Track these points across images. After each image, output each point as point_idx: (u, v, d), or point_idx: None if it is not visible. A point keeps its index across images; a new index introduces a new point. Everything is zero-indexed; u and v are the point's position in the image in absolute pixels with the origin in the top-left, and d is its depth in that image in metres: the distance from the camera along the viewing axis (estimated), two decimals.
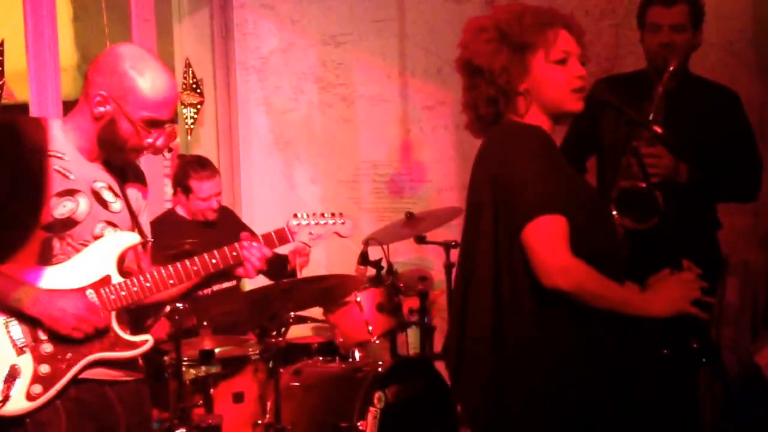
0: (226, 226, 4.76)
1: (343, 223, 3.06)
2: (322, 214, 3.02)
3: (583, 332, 2.43)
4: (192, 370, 4.05)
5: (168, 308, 3.81)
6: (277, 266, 4.89)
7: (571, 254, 2.36)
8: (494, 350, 2.47)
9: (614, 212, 3.31)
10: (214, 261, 2.77)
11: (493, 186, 2.48)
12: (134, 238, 2.75)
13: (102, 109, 2.64)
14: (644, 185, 3.22)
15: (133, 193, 2.85)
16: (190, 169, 4.75)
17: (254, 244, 2.81)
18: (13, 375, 2.55)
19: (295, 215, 2.96)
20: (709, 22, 3.83)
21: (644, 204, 3.28)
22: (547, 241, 2.36)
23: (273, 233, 2.88)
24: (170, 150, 5.20)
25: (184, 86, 5.88)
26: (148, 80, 2.63)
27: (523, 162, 2.43)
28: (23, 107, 4.63)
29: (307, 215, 2.97)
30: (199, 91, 5.96)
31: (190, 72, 5.92)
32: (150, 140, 2.69)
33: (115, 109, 2.63)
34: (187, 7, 6.14)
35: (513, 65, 2.50)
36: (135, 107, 2.63)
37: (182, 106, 5.87)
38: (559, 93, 2.53)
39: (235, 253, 2.79)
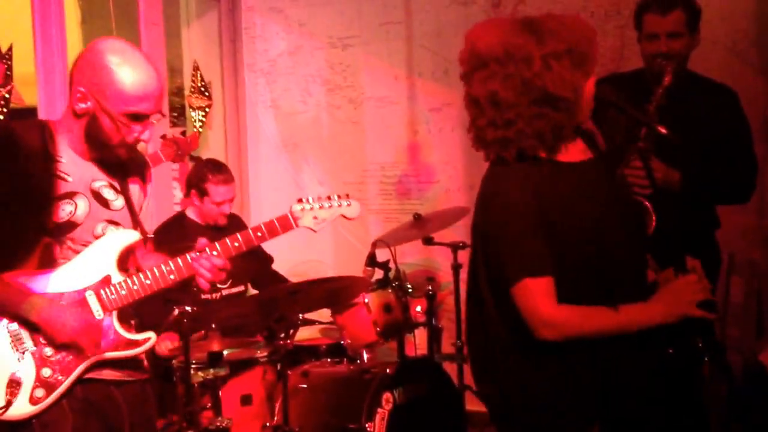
0: (235, 232, 4.75)
1: (349, 205, 2.94)
2: (328, 197, 2.91)
3: (573, 357, 2.46)
4: (200, 373, 4.06)
5: (176, 311, 3.83)
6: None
7: (555, 307, 2.41)
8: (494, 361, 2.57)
9: None
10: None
11: (481, 243, 2.53)
12: (133, 235, 2.72)
13: (83, 105, 2.59)
14: (640, 198, 3.21)
15: (135, 188, 2.82)
16: (208, 171, 4.72)
17: (205, 254, 2.71)
18: (15, 380, 2.56)
19: (300, 200, 2.87)
20: (712, 22, 3.83)
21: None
22: (532, 300, 2.41)
23: (275, 220, 2.81)
24: (192, 158, 5.21)
25: (192, 89, 5.90)
26: (126, 73, 2.55)
27: (506, 228, 2.44)
28: (32, 111, 4.65)
29: (311, 199, 2.87)
30: (207, 94, 5.98)
31: (199, 75, 5.93)
32: (135, 135, 2.62)
33: (95, 104, 2.58)
34: (195, 11, 6.16)
35: (582, 90, 2.44)
36: (114, 102, 2.56)
37: (191, 109, 5.89)
38: (587, 112, 2.53)
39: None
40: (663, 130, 2.77)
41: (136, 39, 5.22)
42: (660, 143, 3.26)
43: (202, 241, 2.75)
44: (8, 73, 4.43)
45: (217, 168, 4.78)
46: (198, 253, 2.72)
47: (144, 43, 5.21)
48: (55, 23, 4.66)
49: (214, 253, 2.72)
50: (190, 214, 4.83)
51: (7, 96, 4.42)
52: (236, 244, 2.76)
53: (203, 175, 4.72)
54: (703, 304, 2.46)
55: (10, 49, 4.46)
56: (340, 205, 2.93)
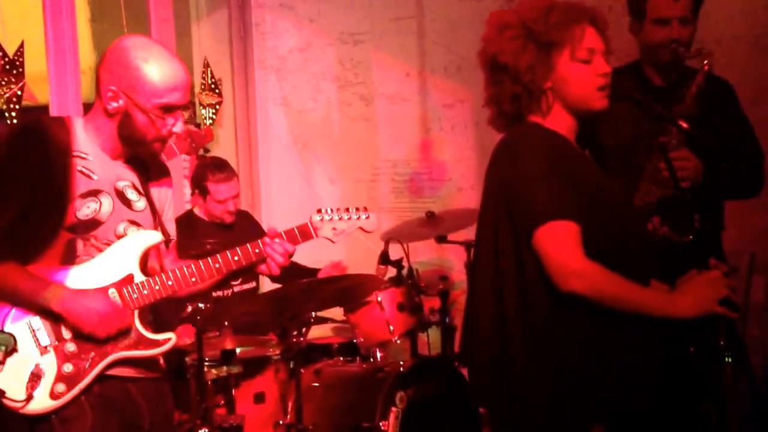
0: (244, 229, 4.75)
1: (367, 218, 2.98)
2: (347, 209, 2.96)
3: (596, 331, 2.41)
4: (214, 371, 4.05)
5: (189, 308, 3.81)
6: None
7: (585, 257, 2.36)
8: (502, 350, 2.49)
9: (655, 218, 3.25)
10: (236, 258, 2.77)
11: (502, 194, 2.50)
12: (156, 236, 2.75)
13: (115, 104, 2.62)
14: (678, 192, 3.16)
15: (156, 190, 2.84)
16: (208, 171, 4.75)
17: (277, 240, 2.79)
18: (37, 374, 2.57)
19: (319, 210, 2.92)
20: (733, 17, 3.79)
21: (681, 214, 3.20)
22: (561, 245, 2.37)
23: (295, 229, 2.85)
24: (207, 150, 5.21)
25: (202, 86, 5.88)
26: (154, 67, 2.60)
27: (532, 171, 2.44)
28: (43, 109, 4.64)
29: (331, 210, 2.92)
30: (217, 91, 5.96)
31: (209, 72, 5.91)
32: (168, 127, 2.66)
33: (127, 101, 2.61)
34: (206, 8, 6.15)
35: (538, 63, 2.49)
36: (146, 96, 2.60)
37: (201, 107, 5.88)
38: (583, 91, 2.52)
39: (257, 250, 2.78)
40: (685, 125, 2.75)
41: (146, 36, 5.20)
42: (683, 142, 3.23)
43: (272, 230, 2.84)
44: (20, 70, 4.41)
45: (217, 166, 4.79)
46: (269, 240, 2.79)
47: (154, 39, 5.18)
48: (67, 21, 4.65)
49: (277, 240, 2.80)
50: (197, 211, 4.84)
51: (19, 93, 4.41)
52: (257, 250, 2.79)
53: (203, 174, 4.75)
54: (724, 303, 2.43)
55: (21, 46, 4.45)
56: (359, 218, 2.98)
